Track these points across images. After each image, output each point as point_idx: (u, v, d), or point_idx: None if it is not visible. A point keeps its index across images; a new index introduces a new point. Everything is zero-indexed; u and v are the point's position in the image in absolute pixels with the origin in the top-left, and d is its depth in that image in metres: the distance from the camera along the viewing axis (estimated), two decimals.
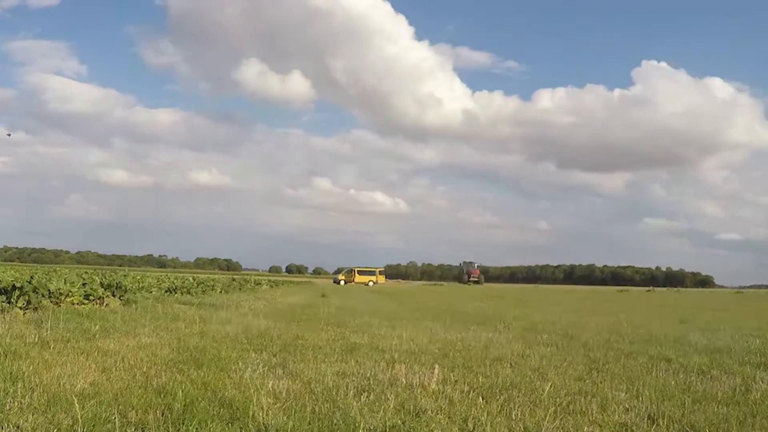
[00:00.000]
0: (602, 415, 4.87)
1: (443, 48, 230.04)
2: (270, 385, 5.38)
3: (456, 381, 5.96)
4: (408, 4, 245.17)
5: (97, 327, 8.58)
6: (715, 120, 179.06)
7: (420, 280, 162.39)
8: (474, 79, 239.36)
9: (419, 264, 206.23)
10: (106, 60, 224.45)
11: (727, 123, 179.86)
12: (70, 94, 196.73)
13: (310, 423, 4.31)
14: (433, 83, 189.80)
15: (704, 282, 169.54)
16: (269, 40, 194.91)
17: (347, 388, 5.40)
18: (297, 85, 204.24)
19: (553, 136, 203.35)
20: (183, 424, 4.14)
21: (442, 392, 5.43)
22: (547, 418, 4.66)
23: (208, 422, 4.19)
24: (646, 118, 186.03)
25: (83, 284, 12.89)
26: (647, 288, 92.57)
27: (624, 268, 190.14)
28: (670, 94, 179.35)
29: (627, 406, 5.17)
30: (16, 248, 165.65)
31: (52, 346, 6.82)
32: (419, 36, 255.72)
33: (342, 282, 78.64)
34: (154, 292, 18.02)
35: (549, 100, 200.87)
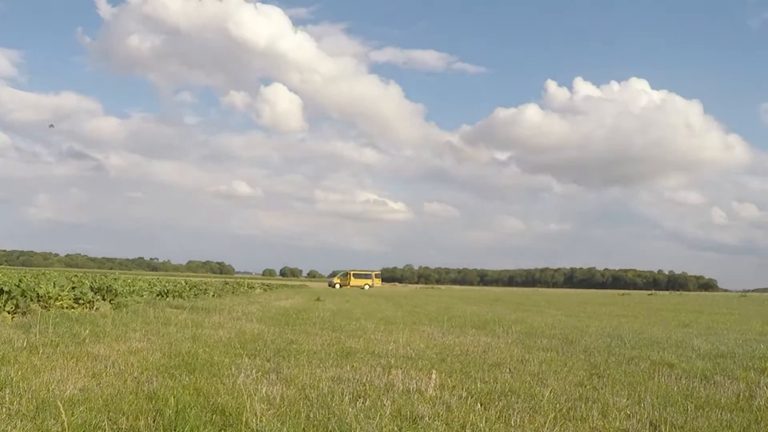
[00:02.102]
0: (603, 421, 4.79)
1: (392, 52, 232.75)
2: (264, 390, 5.31)
3: (454, 386, 5.88)
4: (353, 16, 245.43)
5: (87, 331, 8.48)
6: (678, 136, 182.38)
7: (417, 283, 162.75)
8: (429, 81, 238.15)
9: (416, 267, 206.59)
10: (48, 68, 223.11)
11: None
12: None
13: (304, 429, 4.24)
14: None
15: (707, 285, 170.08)
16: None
17: (343, 394, 5.32)
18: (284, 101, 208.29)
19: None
20: (175, 430, 4.08)
21: (440, 398, 5.35)
22: (546, 424, 4.59)
23: (201, 429, 4.13)
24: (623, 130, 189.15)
25: (73, 288, 12.78)
26: (649, 292, 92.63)
27: (625, 271, 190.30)
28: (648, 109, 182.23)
29: (628, 412, 5.09)
30: (4, 251, 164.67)
31: (41, 351, 6.74)
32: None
33: (337, 285, 78.66)
34: (145, 296, 17.91)
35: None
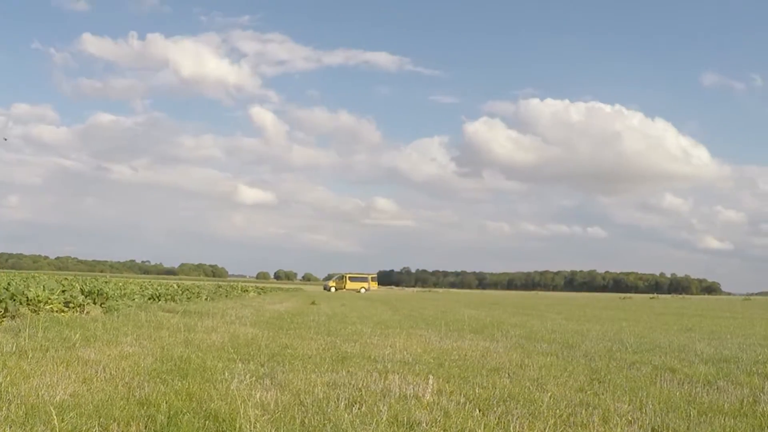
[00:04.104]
0: (604, 427, 4.73)
1: (348, 53, 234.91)
2: (257, 396, 5.24)
3: (452, 392, 5.82)
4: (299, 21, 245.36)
5: (78, 336, 8.41)
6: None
7: (414, 286, 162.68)
8: (387, 80, 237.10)
9: (413, 270, 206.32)
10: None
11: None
12: None
13: None
14: None
15: (711, 289, 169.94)
16: None
17: (338, 400, 5.25)
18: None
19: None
20: None
21: (437, 404, 5.28)
22: (546, 430, 4.54)
23: None
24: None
25: (63, 291, 12.70)
26: (651, 295, 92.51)
27: (627, 274, 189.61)
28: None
29: (630, 418, 5.04)
30: None
31: (30, 355, 6.67)
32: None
33: (333, 289, 78.62)
34: (136, 300, 17.81)
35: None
